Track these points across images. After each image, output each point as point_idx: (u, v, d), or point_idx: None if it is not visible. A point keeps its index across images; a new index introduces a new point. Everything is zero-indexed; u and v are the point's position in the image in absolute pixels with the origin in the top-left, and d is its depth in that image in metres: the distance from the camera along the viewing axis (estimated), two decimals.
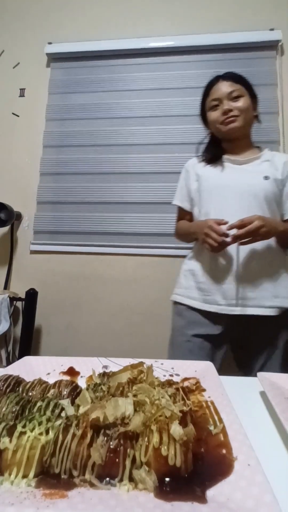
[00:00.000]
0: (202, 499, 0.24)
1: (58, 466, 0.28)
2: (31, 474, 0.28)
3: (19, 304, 1.65)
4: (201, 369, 0.51)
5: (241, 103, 1.00)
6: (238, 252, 0.96)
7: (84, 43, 1.79)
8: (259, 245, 0.94)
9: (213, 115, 1.04)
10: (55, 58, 1.85)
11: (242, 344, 1.03)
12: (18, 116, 1.85)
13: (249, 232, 0.86)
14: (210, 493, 0.25)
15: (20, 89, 1.88)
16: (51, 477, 0.28)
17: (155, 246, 1.59)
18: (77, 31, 1.85)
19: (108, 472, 0.28)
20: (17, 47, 1.91)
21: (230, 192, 0.99)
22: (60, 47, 1.81)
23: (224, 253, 0.96)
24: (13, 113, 1.86)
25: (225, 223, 0.89)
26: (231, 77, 1.04)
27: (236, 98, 1.01)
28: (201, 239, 0.94)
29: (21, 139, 1.83)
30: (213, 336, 0.98)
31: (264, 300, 0.94)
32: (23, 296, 1.58)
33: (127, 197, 1.64)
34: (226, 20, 1.71)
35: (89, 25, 1.85)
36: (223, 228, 0.88)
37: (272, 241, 0.97)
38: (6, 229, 1.76)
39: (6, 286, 1.71)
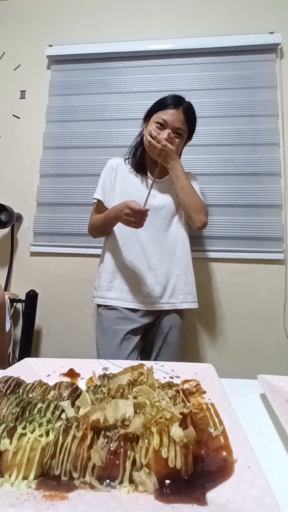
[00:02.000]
0: (202, 501, 0.24)
1: (58, 468, 0.28)
2: (31, 476, 0.28)
3: (19, 306, 1.65)
4: (201, 371, 0.51)
5: (176, 143, 1.11)
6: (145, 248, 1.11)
7: (84, 46, 1.80)
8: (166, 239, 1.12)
9: (153, 129, 1.11)
10: (55, 61, 1.86)
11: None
12: (18, 118, 1.86)
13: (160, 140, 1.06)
14: (210, 495, 0.25)
15: (21, 91, 1.89)
16: (51, 479, 0.28)
17: None
18: (78, 33, 1.86)
19: (108, 474, 0.28)
20: (18, 49, 1.92)
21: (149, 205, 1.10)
22: (60, 49, 1.82)
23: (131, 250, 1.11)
24: (13, 115, 1.86)
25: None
26: (187, 114, 1.12)
27: (177, 135, 1.11)
28: (123, 220, 1.01)
29: (22, 141, 1.83)
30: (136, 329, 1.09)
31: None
32: (23, 297, 1.58)
33: None
34: (226, 23, 1.72)
35: (89, 27, 1.86)
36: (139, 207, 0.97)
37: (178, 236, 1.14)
38: (6, 230, 1.76)
39: (6, 288, 1.71)
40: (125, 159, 1.23)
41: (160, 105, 1.15)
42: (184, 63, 1.73)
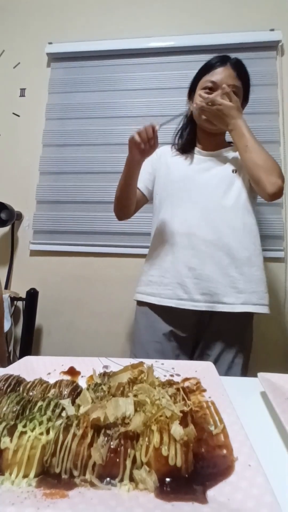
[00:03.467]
0: (202, 499, 0.24)
1: (58, 466, 0.28)
2: (32, 474, 0.28)
3: (19, 304, 1.65)
4: (201, 370, 0.51)
5: (235, 98, 0.94)
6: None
7: (84, 43, 1.79)
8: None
9: (202, 94, 0.97)
10: (55, 58, 1.85)
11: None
12: (18, 116, 1.86)
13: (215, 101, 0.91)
14: (211, 493, 0.25)
15: (21, 89, 1.88)
16: (52, 477, 0.28)
17: None
18: (78, 31, 1.85)
19: (108, 472, 0.28)
20: (18, 47, 1.91)
21: (196, 183, 0.97)
22: (60, 47, 1.81)
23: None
24: (13, 113, 1.86)
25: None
26: (238, 68, 0.98)
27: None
28: (134, 152, 0.88)
29: (22, 139, 1.83)
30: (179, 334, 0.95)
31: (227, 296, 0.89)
32: (24, 296, 1.58)
33: None
34: (226, 20, 1.71)
35: (89, 25, 1.85)
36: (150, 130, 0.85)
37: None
38: (6, 229, 1.76)
39: (7, 286, 1.71)
40: (171, 145, 1.10)
41: (204, 70, 1.00)
42: (184, 60, 1.72)
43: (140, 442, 0.30)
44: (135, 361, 0.54)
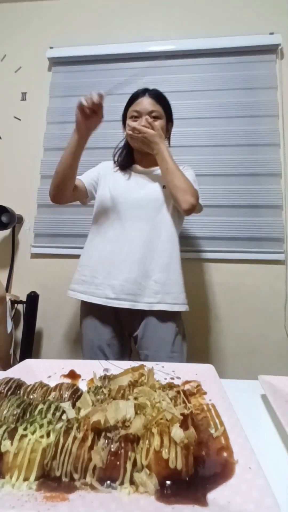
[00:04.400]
0: (203, 502, 0.24)
1: (59, 469, 0.28)
2: (32, 477, 0.28)
3: (20, 307, 1.65)
4: (202, 372, 0.51)
5: (157, 125, 1.06)
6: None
7: (85, 47, 1.81)
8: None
9: (130, 123, 1.10)
10: (56, 62, 1.86)
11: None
12: (19, 119, 1.87)
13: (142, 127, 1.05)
14: (211, 496, 0.25)
15: (22, 93, 1.89)
16: (52, 480, 0.28)
17: None
18: (79, 35, 1.86)
19: (109, 475, 0.28)
20: (19, 51, 1.92)
21: (132, 198, 1.08)
22: (61, 51, 1.83)
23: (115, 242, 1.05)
24: (15, 117, 1.87)
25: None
26: (155, 96, 1.11)
27: (154, 118, 1.09)
28: (79, 119, 0.99)
29: (23, 142, 1.84)
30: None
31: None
32: (24, 299, 1.58)
33: None
34: (226, 24, 1.72)
35: (90, 29, 1.86)
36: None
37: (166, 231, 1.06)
38: (7, 232, 1.76)
39: (7, 289, 1.71)
40: (114, 162, 1.23)
41: (128, 103, 1.16)
42: (184, 64, 1.73)
43: (140, 445, 0.30)
44: (135, 364, 0.54)
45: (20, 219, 1.75)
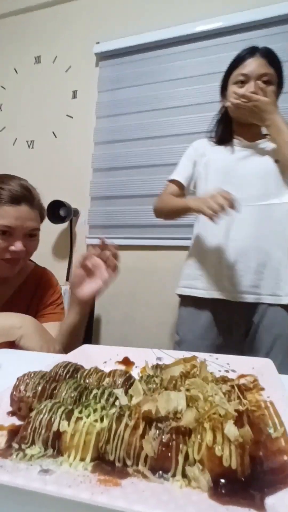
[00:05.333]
0: (260, 507, 0.23)
1: (112, 454, 0.29)
2: (88, 459, 0.29)
3: None
4: (259, 367, 0.47)
5: (269, 91, 0.92)
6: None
7: (130, 38, 1.79)
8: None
9: (237, 90, 0.95)
10: (103, 57, 1.89)
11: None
12: (72, 117, 1.95)
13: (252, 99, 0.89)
14: (270, 501, 0.23)
15: (73, 91, 1.96)
16: (106, 463, 0.29)
17: None
18: (122, 26, 1.85)
19: (160, 466, 0.28)
20: (68, 51, 1.99)
21: (239, 175, 0.96)
22: (107, 45, 1.84)
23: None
24: (67, 115, 1.95)
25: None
26: (266, 56, 0.94)
27: (266, 83, 0.93)
28: (204, 206, 0.86)
29: (75, 139, 1.92)
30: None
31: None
32: None
33: None
34: None
35: (133, 19, 1.84)
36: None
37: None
38: (65, 225, 1.88)
39: (67, 279, 1.84)
40: (208, 138, 1.10)
41: (233, 64, 0.99)
42: (236, 40, 1.60)
43: (192, 439, 0.29)
44: (188, 354, 0.53)
45: (76, 212, 1.85)
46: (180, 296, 1.11)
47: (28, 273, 0.94)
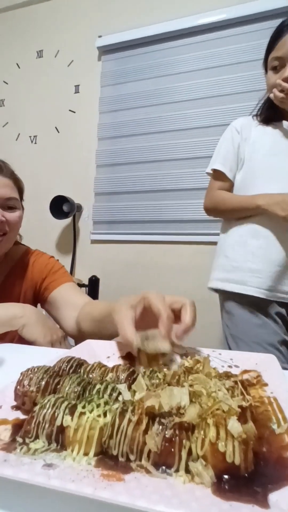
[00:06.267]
0: (263, 503, 0.23)
1: (115, 448, 0.29)
2: (91, 453, 0.29)
3: (83, 290, 1.76)
4: (262, 362, 0.47)
5: None
6: None
7: (132, 31, 1.77)
8: None
9: (271, 78, 0.86)
10: (105, 51, 1.87)
11: None
12: (74, 112, 1.93)
13: None
14: (273, 497, 0.23)
15: (75, 85, 1.95)
16: (109, 458, 0.29)
17: (212, 233, 1.53)
18: (124, 20, 1.83)
19: (164, 461, 0.28)
20: (70, 45, 1.97)
21: None
22: (109, 39, 1.82)
23: None
24: (70, 110, 1.94)
25: None
26: None
27: None
28: (279, 207, 0.81)
29: (78, 134, 1.91)
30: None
31: None
32: (86, 282, 1.68)
33: (182, 184, 1.60)
34: None
35: (135, 12, 1.81)
36: None
37: None
38: (69, 220, 1.88)
39: (71, 273, 1.84)
40: (252, 116, 1.02)
41: (269, 45, 0.88)
42: (239, 32, 1.57)
43: (195, 434, 0.29)
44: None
45: (79, 208, 1.84)
46: (226, 292, 1.01)
47: (20, 255, 0.91)
